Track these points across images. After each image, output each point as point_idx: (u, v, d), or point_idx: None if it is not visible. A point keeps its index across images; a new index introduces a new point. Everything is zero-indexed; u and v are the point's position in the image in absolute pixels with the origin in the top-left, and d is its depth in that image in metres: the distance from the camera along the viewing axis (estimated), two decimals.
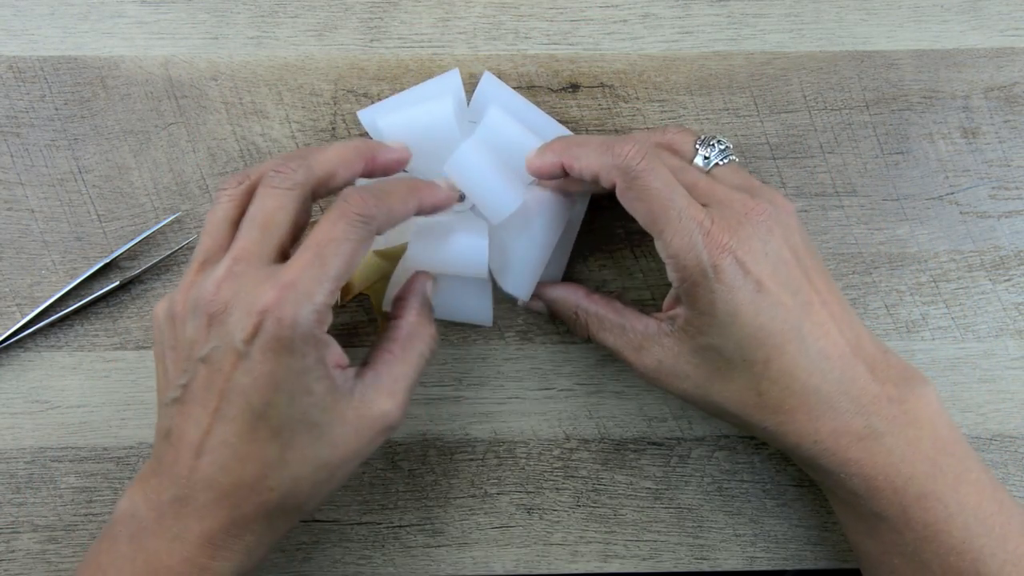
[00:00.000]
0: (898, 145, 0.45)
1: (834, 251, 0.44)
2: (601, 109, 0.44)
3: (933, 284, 0.44)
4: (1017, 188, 0.45)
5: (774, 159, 0.44)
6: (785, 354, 0.36)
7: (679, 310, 0.37)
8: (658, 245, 0.36)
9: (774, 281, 0.36)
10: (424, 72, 0.44)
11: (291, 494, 0.34)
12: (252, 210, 0.35)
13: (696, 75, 0.45)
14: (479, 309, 0.42)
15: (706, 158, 0.38)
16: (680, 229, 0.35)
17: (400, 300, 0.38)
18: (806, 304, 0.36)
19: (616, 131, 0.44)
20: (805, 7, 0.45)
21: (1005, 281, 0.44)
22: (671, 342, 0.37)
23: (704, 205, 0.36)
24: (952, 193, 0.45)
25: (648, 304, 0.44)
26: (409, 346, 0.37)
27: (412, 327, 0.37)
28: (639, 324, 0.39)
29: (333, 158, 0.36)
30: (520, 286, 0.41)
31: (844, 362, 0.36)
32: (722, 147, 0.38)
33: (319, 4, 0.44)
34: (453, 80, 0.41)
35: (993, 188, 0.45)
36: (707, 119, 0.44)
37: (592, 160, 0.37)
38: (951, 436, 0.37)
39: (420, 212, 0.37)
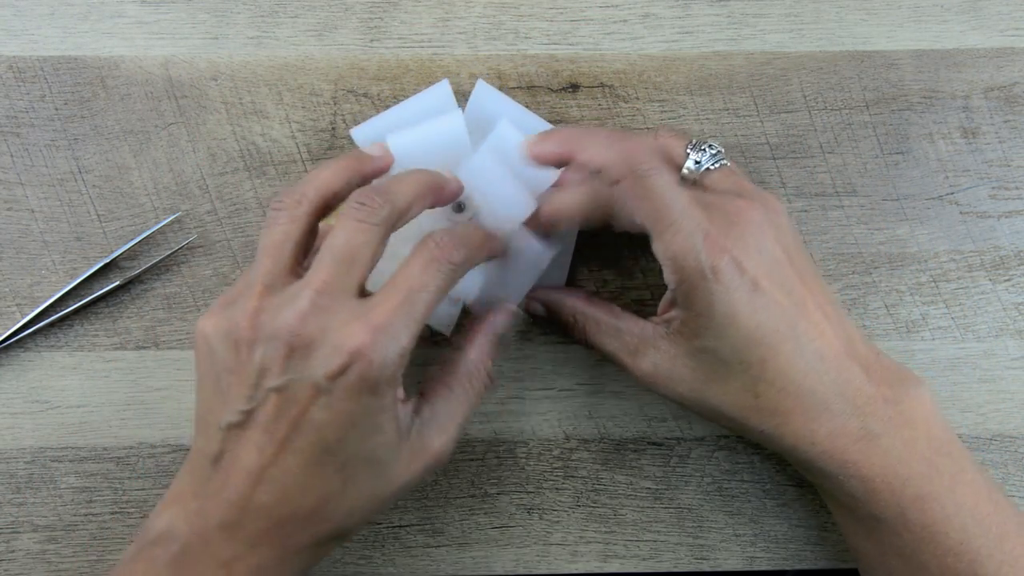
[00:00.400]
0: (898, 145, 0.45)
1: (834, 251, 0.44)
2: (601, 109, 0.44)
3: (933, 284, 0.44)
4: (1017, 188, 0.45)
5: (774, 159, 0.44)
6: (780, 355, 0.36)
7: (675, 312, 0.37)
8: (656, 246, 0.36)
9: (770, 281, 0.36)
10: (424, 72, 0.44)
11: (343, 525, 0.35)
12: (336, 241, 0.34)
13: (696, 75, 0.45)
14: (553, 273, 0.42)
15: (697, 162, 0.38)
16: (681, 230, 0.35)
17: (470, 333, 0.38)
18: (800, 304, 0.36)
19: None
20: (805, 7, 0.45)
21: (1005, 281, 0.44)
22: (667, 345, 0.37)
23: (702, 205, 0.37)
24: (952, 193, 0.45)
25: (648, 304, 0.44)
26: (468, 385, 0.37)
27: (474, 365, 0.37)
28: (635, 327, 0.39)
29: (411, 192, 0.36)
30: (517, 293, 0.41)
31: (839, 363, 0.36)
32: (714, 151, 0.38)
33: (319, 4, 0.44)
34: (444, 92, 0.41)
35: (993, 188, 0.45)
36: (707, 119, 0.44)
37: (599, 152, 0.37)
38: (946, 436, 0.37)
39: (490, 257, 0.38)
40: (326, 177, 0.36)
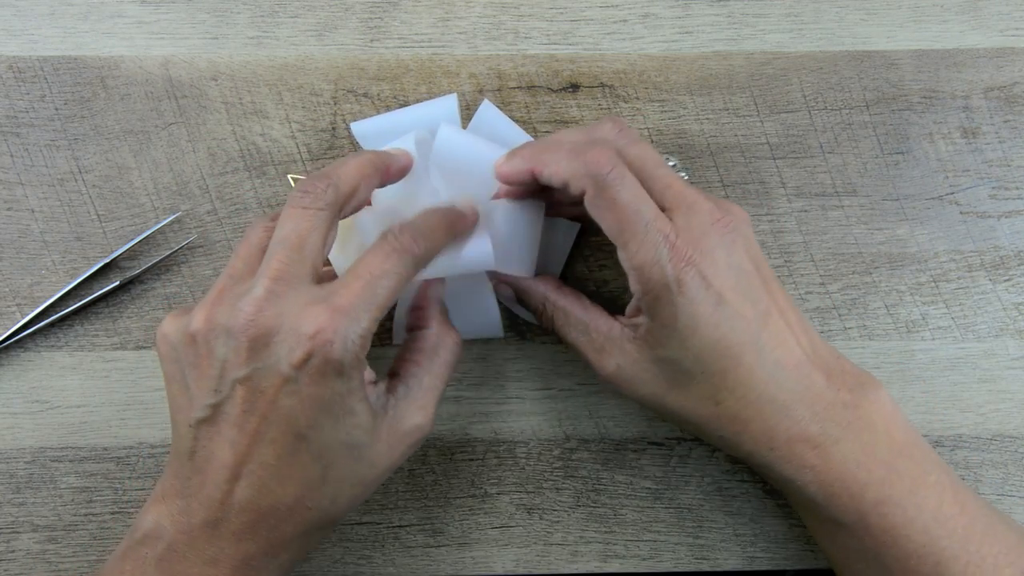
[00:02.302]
0: (898, 145, 0.45)
1: (834, 251, 0.44)
2: (601, 109, 0.44)
3: (933, 284, 0.44)
4: (1017, 188, 0.45)
5: (774, 159, 0.44)
6: (742, 365, 0.36)
7: (641, 319, 0.37)
8: (621, 256, 0.36)
9: (735, 293, 0.36)
10: (424, 72, 0.44)
11: (328, 512, 0.35)
12: (283, 232, 0.34)
13: (696, 75, 0.45)
14: (488, 323, 0.42)
15: None
16: (646, 241, 0.35)
17: (419, 310, 0.38)
18: (765, 315, 0.36)
19: None
20: (805, 7, 0.45)
21: (1005, 281, 0.44)
22: (632, 348, 0.37)
23: (671, 209, 0.36)
24: (952, 193, 0.45)
25: None
26: (435, 356, 0.37)
27: (436, 337, 0.37)
28: (603, 325, 0.38)
29: (355, 174, 0.36)
30: (522, 262, 0.41)
31: (800, 371, 0.36)
32: (672, 164, 0.38)
33: (319, 4, 0.44)
34: (450, 105, 0.42)
35: (993, 188, 0.45)
36: (707, 119, 0.44)
37: (562, 167, 0.36)
38: (907, 439, 0.37)
39: (455, 238, 0.38)
40: (346, 176, 0.36)
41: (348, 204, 0.36)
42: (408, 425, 0.36)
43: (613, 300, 0.44)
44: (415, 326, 0.38)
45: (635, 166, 0.37)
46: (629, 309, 0.38)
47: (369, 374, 0.35)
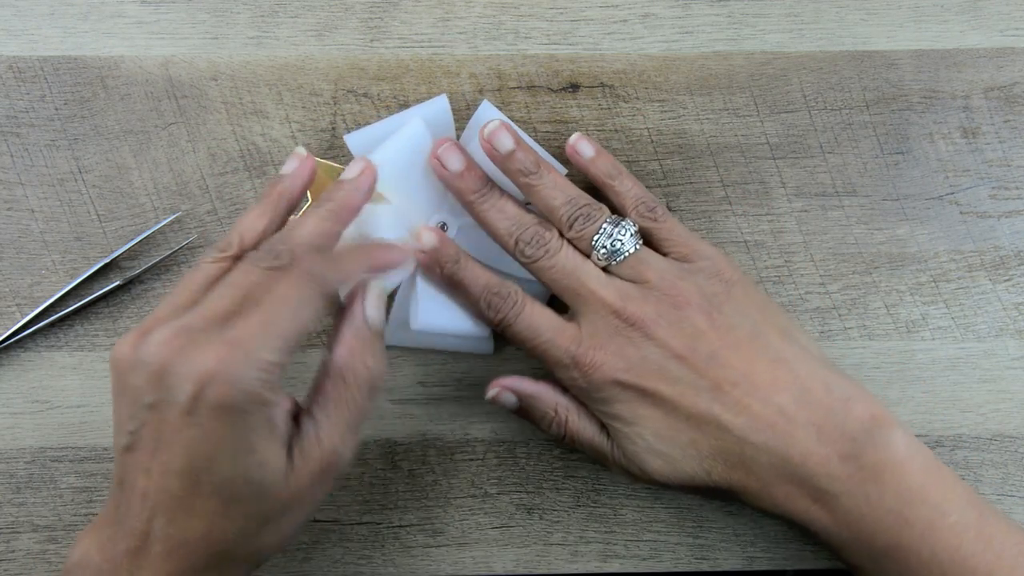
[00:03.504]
0: (898, 145, 0.45)
1: (834, 251, 0.44)
2: (601, 109, 0.44)
3: (933, 284, 0.44)
4: (1017, 188, 0.45)
5: (774, 159, 0.44)
6: (706, 434, 0.36)
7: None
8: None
9: (661, 384, 0.37)
10: (424, 72, 0.44)
11: (240, 546, 0.34)
12: (230, 277, 0.34)
13: (696, 75, 0.45)
14: (478, 340, 0.42)
15: (614, 250, 0.39)
16: (553, 360, 0.38)
17: (334, 329, 0.36)
18: (713, 388, 0.37)
19: (616, 131, 0.44)
20: (805, 7, 0.45)
21: (1005, 281, 0.44)
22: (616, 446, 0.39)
23: (578, 315, 0.39)
24: (952, 193, 0.45)
25: None
26: (343, 386, 0.35)
27: (344, 362, 0.35)
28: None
29: (312, 235, 0.36)
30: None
31: (775, 432, 0.36)
32: (627, 235, 0.39)
33: (319, 4, 0.44)
34: (442, 107, 0.42)
35: (993, 188, 0.45)
36: (707, 119, 0.44)
37: (470, 299, 0.40)
38: (923, 481, 0.35)
39: (374, 271, 0.37)
40: (302, 238, 0.36)
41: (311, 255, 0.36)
42: (317, 462, 0.34)
43: None
44: (328, 346, 0.36)
45: (546, 278, 0.39)
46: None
47: (286, 403, 0.34)
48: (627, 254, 0.38)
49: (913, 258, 0.44)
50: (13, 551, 0.43)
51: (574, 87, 0.44)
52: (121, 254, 0.43)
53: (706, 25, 0.45)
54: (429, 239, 0.39)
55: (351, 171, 0.38)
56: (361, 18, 0.44)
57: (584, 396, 0.39)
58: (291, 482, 0.34)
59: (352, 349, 0.35)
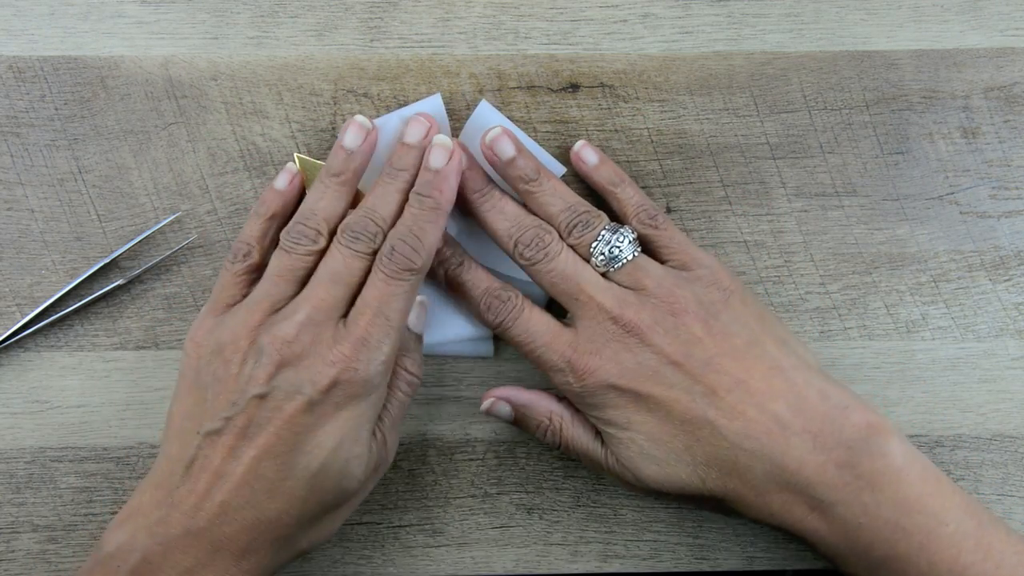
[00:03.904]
0: (898, 145, 0.45)
1: (834, 251, 0.44)
2: (601, 109, 0.44)
3: (933, 284, 0.44)
4: (1017, 188, 0.45)
5: (774, 159, 0.44)
6: (701, 439, 0.36)
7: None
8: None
9: (656, 388, 0.37)
10: (424, 72, 0.44)
11: (302, 532, 0.36)
12: (333, 265, 0.36)
13: (696, 75, 0.45)
14: (479, 344, 0.43)
15: (613, 256, 0.39)
16: (548, 365, 0.38)
17: None
18: (709, 394, 0.36)
19: (616, 131, 0.44)
20: (805, 7, 0.45)
21: (1005, 281, 0.44)
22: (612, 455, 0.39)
23: (575, 319, 0.38)
24: (952, 193, 0.45)
25: None
26: (392, 385, 0.38)
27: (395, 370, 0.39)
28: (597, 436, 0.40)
29: (412, 230, 0.37)
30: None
31: (771, 439, 0.36)
32: (612, 255, 0.38)
33: (319, 4, 0.44)
34: (436, 105, 0.42)
35: (993, 188, 0.45)
36: (707, 119, 0.44)
37: (498, 231, 0.39)
38: (921, 491, 0.35)
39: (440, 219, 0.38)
40: (330, 206, 0.38)
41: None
42: (376, 460, 0.37)
43: None
44: None
45: (545, 282, 0.39)
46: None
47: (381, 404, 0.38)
48: (625, 261, 0.38)
49: (913, 258, 0.44)
50: (13, 551, 0.43)
51: (574, 87, 0.44)
52: (121, 254, 0.43)
53: (706, 25, 0.45)
54: (437, 158, 0.39)
55: (413, 134, 0.39)
56: (361, 18, 0.44)
57: (579, 401, 0.39)
58: (366, 478, 0.37)
59: (398, 354, 0.39)
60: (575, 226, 0.39)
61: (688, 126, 0.44)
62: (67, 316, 0.43)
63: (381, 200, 0.38)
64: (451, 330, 0.42)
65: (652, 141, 0.44)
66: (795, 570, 0.44)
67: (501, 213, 0.40)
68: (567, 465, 0.44)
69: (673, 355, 0.37)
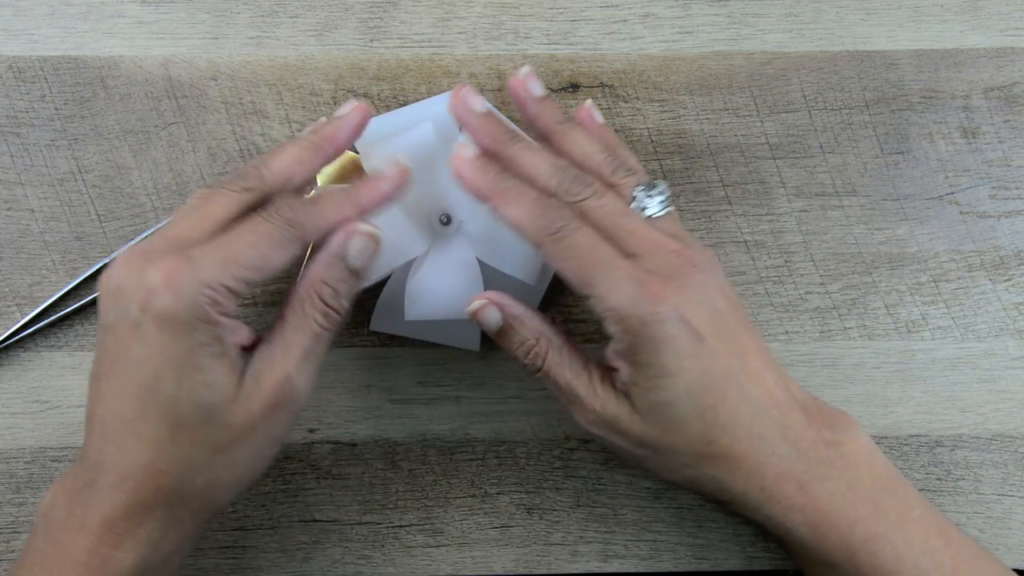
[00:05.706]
0: (898, 145, 0.45)
1: (834, 251, 0.44)
2: (601, 109, 0.44)
3: (933, 284, 0.44)
4: (1017, 188, 0.45)
5: (774, 159, 0.44)
6: (728, 400, 0.35)
7: (621, 365, 0.36)
8: (592, 303, 0.35)
9: (711, 331, 0.35)
10: (424, 72, 0.44)
11: (188, 480, 0.33)
12: (196, 203, 0.35)
13: (696, 75, 0.45)
14: (466, 334, 0.42)
15: (643, 208, 0.37)
16: (613, 283, 0.34)
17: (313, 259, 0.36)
18: (741, 354, 0.36)
19: (616, 131, 0.44)
20: (805, 7, 0.45)
21: (1005, 281, 0.44)
22: (621, 398, 0.36)
23: (637, 255, 0.35)
24: (952, 193, 0.45)
25: None
26: (301, 311, 0.35)
27: (305, 290, 0.35)
28: (596, 370, 0.37)
29: (288, 160, 0.36)
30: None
31: (781, 409, 0.36)
32: (662, 198, 0.37)
33: (319, 4, 0.44)
34: (443, 104, 0.41)
35: (993, 188, 0.45)
36: (707, 119, 0.44)
37: (516, 212, 0.35)
38: (889, 475, 0.37)
39: (363, 212, 0.36)
40: (276, 165, 0.36)
41: (284, 188, 0.36)
42: (270, 389, 0.34)
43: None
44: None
45: (594, 218, 0.36)
46: (608, 356, 0.36)
47: (241, 336, 0.34)
48: (665, 211, 0.37)
49: (913, 258, 0.44)
50: (13, 551, 0.43)
51: (574, 87, 0.44)
52: None
53: (706, 25, 0.45)
54: (479, 105, 0.37)
55: (342, 109, 0.37)
56: (361, 18, 0.44)
57: (635, 337, 0.35)
58: (241, 408, 0.33)
59: (317, 277, 0.35)
60: (617, 167, 0.37)
61: (688, 126, 0.44)
62: (67, 316, 0.43)
63: (276, 151, 0.36)
64: (442, 315, 0.40)
65: (652, 141, 0.44)
66: (795, 570, 0.44)
67: (537, 154, 0.37)
68: (567, 465, 0.44)
69: (721, 304, 0.35)
